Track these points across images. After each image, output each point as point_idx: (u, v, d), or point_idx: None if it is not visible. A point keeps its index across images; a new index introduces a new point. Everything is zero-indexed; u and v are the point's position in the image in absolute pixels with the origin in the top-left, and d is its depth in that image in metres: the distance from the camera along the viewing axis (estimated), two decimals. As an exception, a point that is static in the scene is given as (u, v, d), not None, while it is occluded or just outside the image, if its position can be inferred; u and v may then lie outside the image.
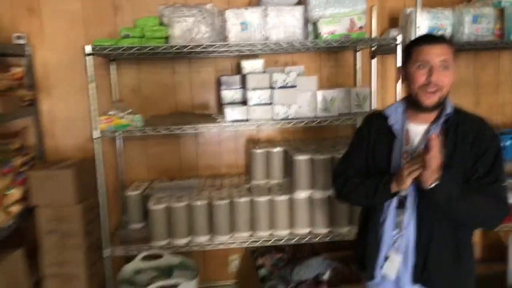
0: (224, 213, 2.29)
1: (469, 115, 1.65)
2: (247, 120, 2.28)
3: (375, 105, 2.57)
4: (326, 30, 2.31)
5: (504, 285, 2.79)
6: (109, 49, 2.10)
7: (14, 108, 2.25)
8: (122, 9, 2.60)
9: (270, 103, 2.28)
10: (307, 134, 2.83)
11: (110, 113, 2.21)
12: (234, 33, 2.30)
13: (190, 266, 2.56)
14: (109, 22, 2.60)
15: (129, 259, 2.60)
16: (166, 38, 2.19)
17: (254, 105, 2.27)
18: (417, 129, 1.62)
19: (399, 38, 2.26)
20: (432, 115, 1.60)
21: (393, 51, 2.36)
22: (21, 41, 2.50)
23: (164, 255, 2.57)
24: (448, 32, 2.44)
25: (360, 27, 2.32)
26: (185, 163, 2.77)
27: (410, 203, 1.60)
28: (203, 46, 2.15)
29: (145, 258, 2.56)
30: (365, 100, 2.49)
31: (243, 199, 2.29)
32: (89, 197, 2.39)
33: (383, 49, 2.59)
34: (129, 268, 2.52)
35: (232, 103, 2.41)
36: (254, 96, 2.27)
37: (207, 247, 2.30)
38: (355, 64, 2.78)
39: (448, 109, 1.58)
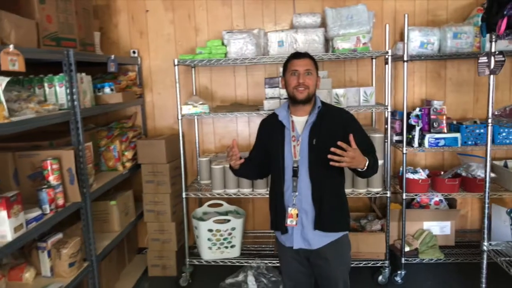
0: (262, 174, 3.28)
1: (333, 106, 2.34)
2: (279, 109, 3.25)
3: (385, 100, 3.42)
4: (339, 45, 3.18)
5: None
6: (188, 61, 3.21)
7: (130, 99, 3.44)
8: (201, 31, 3.70)
9: (295, 98, 3.23)
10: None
11: (188, 103, 3.31)
12: (273, 48, 3.28)
13: (240, 212, 3.61)
14: (192, 41, 3.72)
15: (200, 205, 3.73)
16: (226, 54, 3.24)
17: (284, 99, 3.24)
18: (299, 120, 2.21)
19: (390, 51, 3.07)
20: (307, 109, 2.20)
21: (401, 59, 3.17)
22: (135, 55, 3.72)
23: (223, 204, 3.65)
24: (435, 45, 3.19)
25: (364, 43, 3.16)
26: (241, 140, 3.81)
27: (303, 172, 2.13)
28: (248, 59, 3.17)
29: (211, 205, 3.65)
30: (372, 96, 3.30)
31: (275, 164, 3.27)
32: (175, 160, 3.52)
33: (393, 57, 3.37)
34: (199, 210, 3.63)
35: (272, 98, 3.36)
36: (284, 93, 3.24)
37: (249, 196, 3.31)
38: (372, 69, 3.61)
39: (318, 103, 2.20)
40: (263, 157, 2.33)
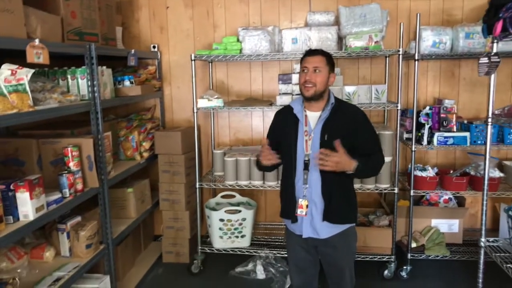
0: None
1: (346, 103, 2.38)
2: (291, 105, 3.34)
3: (396, 98, 3.47)
4: (352, 43, 3.25)
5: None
6: (204, 57, 3.33)
7: (149, 92, 3.59)
8: (218, 28, 3.82)
9: (307, 94, 3.32)
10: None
11: (204, 97, 3.43)
12: (287, 45, 3.37)
13: (252, 204, 3.73)
14: (209, 36, 3.84)
15: (214, 196, 3.86)
16: (241, 50, 3.34)
17: (296, 94, 3.33)
18: (312, 115, 2.28)
19: (401, 50, 3.12)
20: (321, 105, 2.26)
21: (413, 58, 3.21)
22: (155, 49, 3.87)
23: (236, 196, 3.77)
24: (447, 45, 3.22)
25: (376, 41, 3.21)
26: (255, 135, 3.92)
27: (314, 166, 2.19)
28: (262, 55, 3.27)
29: (223, 197, 3.78)
30: (383, 93, 3.36)
31: (286, 158, 3.36)
32: (190, 151, 3.65)
33: (406, 56, 3.41)
34: (212, 201, 3.77)
35: (285, 93, 3.45)
36: (296, 89, 3.33)
37: (260, 188, 3.43)
38: (385, 67, 3.66)
39: (332, 100, 2.26)
40: (276, 148, 2.38)
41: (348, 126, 2.22)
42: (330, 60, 2.29)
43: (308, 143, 2.25)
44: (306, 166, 2.24)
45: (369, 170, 2.27)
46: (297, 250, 2.40)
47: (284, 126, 2.36)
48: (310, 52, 2.30)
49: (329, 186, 2.23)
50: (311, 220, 2.27)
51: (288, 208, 2.34)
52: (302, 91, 2.26)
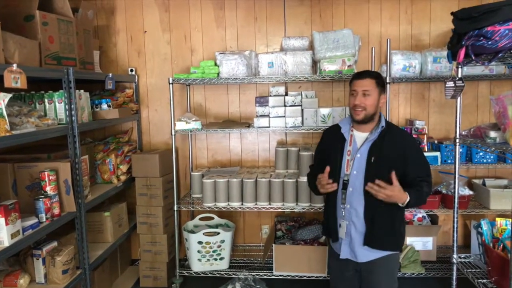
0: (251, 188, 3.40)
1: (396, 127, 2.36)
2: (268, 127, 3.41)
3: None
4: (326, 67, 3.35)
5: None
6: (182, 80, 3.38)
7: (126, 115, 3.59)
8: (196, 52, 3.89)
9: (284, 116, 3.39)
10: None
11: (182, 119, 3.46)
12: (263, 69, 3.44)
13: (230, 226, 3.73)
14: (187, 60, 3.89)
15: (192, 219, 3.85)
16: (218, 74, 3.41)
17: (273, 117, 3.40)
18: (360, 135, 2.30)
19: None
20: (370, 126, 2.26)
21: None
22: (132, 73, 3.90)
23: (214, 218, 3.78)
24: (417, 68, 3.36)
25: (349, 65, 3.33)
26: (233, 156, 3.96)
27: (357, 188, 2.22)
28: (239, 79, 3.34)
29: (202, 219, 3.78)
30: (357, 116, 3.46)
31: (263, 180, 3.40)
32: (168, 173, 3.66)
33: (378, 79, 3.54)
34: (190, 223, 3.76)
35: (262, 115, 3.51)
36: (273, 111, 3.40)
37: (238, 209, 3.44)
38: (358, 90, 3.77)
39: (382, 123, 2.25)
40: (323, 166, 2.37)
41: (398, 151, 2.21)
42: (379, 81, 2.27)
43: (349, 163, 2.27)
44: (345, 185, 2.26)
45: (419, 203, 2.24)
46: (336, 270, 2.43)
47: (331, 144, 2.40)
48: (359, 75, 2.29)
49: (372, 210, 2.22)
50: (350, 242, 2.29)
51: (330, 226, 2.37)
52: (352, 114, 2.28)
